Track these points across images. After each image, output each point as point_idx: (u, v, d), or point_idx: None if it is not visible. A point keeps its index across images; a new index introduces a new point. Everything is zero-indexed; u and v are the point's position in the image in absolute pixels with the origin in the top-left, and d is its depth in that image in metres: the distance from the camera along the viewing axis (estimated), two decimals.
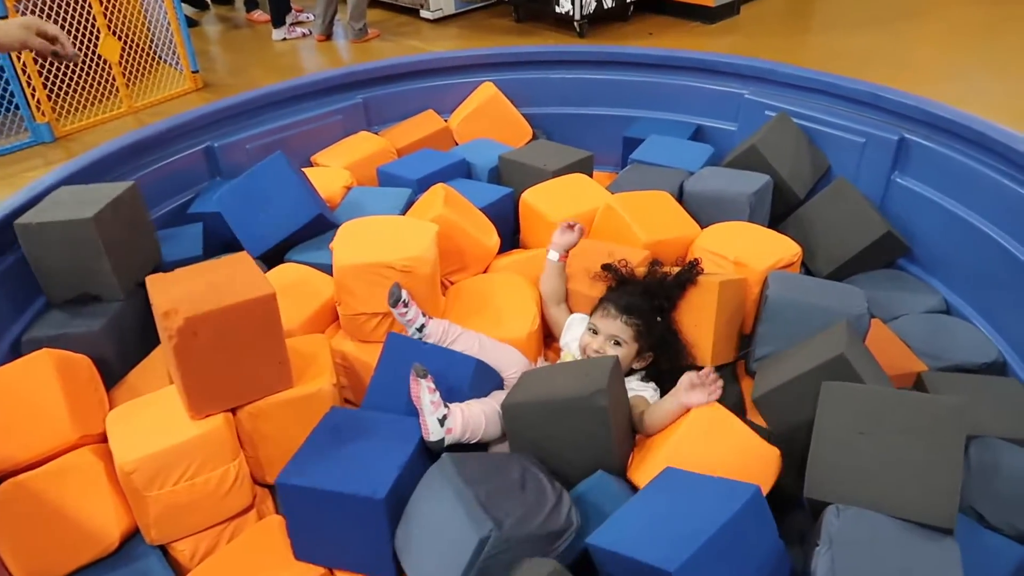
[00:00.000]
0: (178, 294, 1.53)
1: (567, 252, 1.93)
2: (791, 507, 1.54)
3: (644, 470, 1.50)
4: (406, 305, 1.72)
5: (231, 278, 1.59)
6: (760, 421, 1.69)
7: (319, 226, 2.16)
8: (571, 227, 1.91)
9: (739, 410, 1.85)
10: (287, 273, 2.03)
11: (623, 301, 1.75)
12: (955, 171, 2.18)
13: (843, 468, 1.34)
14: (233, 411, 1.62)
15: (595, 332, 1.75)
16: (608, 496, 1.47)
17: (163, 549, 1.59)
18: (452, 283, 2.09)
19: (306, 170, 2.46)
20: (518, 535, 1.27)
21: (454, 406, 1.55)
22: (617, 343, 1.73)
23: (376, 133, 2.87)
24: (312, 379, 1.67)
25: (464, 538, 1.26)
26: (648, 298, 1.77)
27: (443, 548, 1.31)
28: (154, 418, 1.57)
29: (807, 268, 2.33)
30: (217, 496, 1.57)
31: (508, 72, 2.98)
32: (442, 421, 1.51)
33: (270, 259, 2.14)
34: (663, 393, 1.71)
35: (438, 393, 1.52)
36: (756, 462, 1.48)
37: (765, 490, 1.47)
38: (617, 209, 2.11)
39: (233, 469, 1.58)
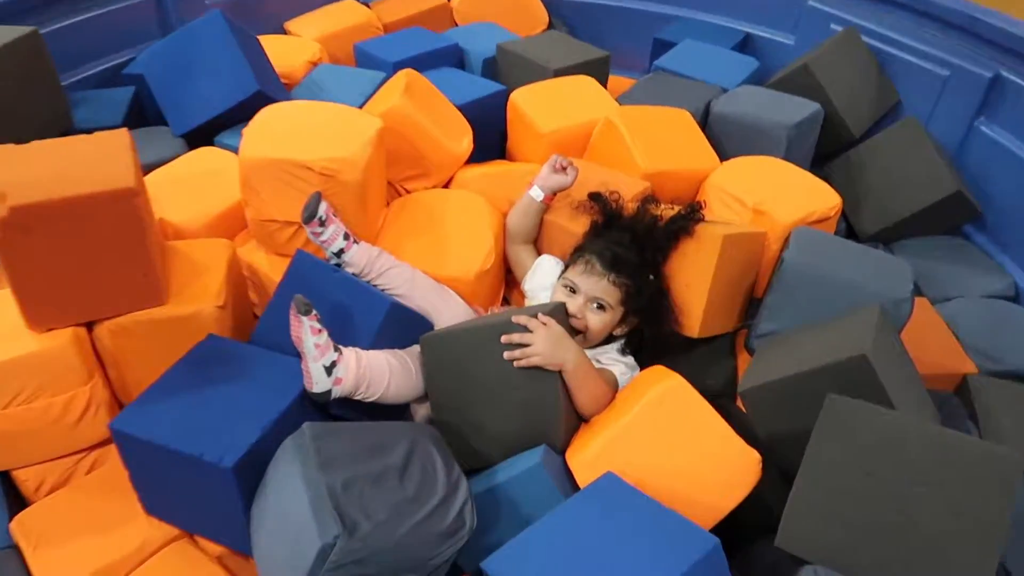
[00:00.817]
0: (16, 175, 1.19)
1: (554, 194, 1.53)
2: (766, 527, 1.22)
3: (584, 454, 1.18)
4: (323, 224, 1.36)
5: (92, 161, 1.25)
6: None
7: (260, 106, 1.77)
8: (563, 168, 1.51)
9: (729, 393, 1.50)
10: (203, 159, 1.68)
11: (610, 254, 1.36)
12: None
13: (835, 517, 0.98)
14: (90, 327, 1.31)
15: (573, 291, 1.38)
16: (536, 487, 1.15)
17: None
18: (408, 191, 1.72)
19: (266, 38, 2.07)
20: (378, 543, 0.96)
21: (348, 351, 1.22)
22: (600, 307, 1.36)
23: (367, 4, 2.44)
24: (193, 298, 1.34)
25: (305, 542, 0.96)
26: (638, 251, 1.39)
27: (287, 547, 1.01)
28: None
29: (848, 224, 1.91)
30: (64, 424, 1.29)
31: None
32: (330, 369, 1.18)
33: (197, 141, 1.78)
34: (642, 368, 1.36)
35: (325, 334, 1.18)
36: (727, 467, 1.14)
37: (732, 505, 1.14)
38: (618, 126, 1.69)
39: (83, 395, 1.29)
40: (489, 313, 1.51)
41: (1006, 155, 1.83)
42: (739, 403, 1.43)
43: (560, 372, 1.19)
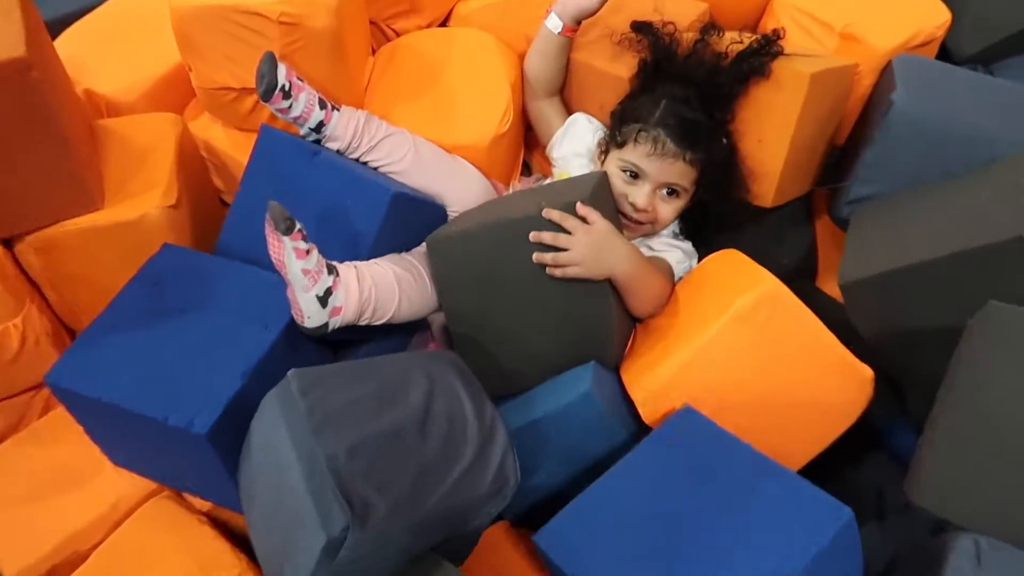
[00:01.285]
0: None
1: (578, 24, 1.17)
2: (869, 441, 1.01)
3: (649, 381, 0.94)
4: (287, 94, 1.03)
5: None
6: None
7: None
8: None
9: (808, 272, 1.24)
10: (135, 5, 1.31)
11: (682, 125, 1.05)
12: None
13: (994, 470, 0.74)
14: (9, 245, 1.03)
15: (636, 176, 1.08)
16: (587, 417, 0.93)
17: None
18: (396, 33, 1.35)
19: None
20: (401, 523, 0.74)
21: (346, 271, 0.94)
22: (673, 192, 1.08)
23: None
24: (136, 196, 1.05)
25: (305, 534, 0.74)
26: (706, 109, 1.08)
27: (283, 535, 0.79)
28: None
29: (944, 45, 1.55)
30: None
31: None
32: (324, 299, 0.91)
33: None
34: (701, 257, 1.09)
35: (315, 253, 0.90)
36: (833, 390, 0.92)
37: (837, 433, 0.93)
38: None
39: (15, 329, 1.04)
40: (511, 191, 1.22)
41: None
42: (819, 285, 1.19)
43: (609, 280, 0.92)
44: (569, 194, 0.96)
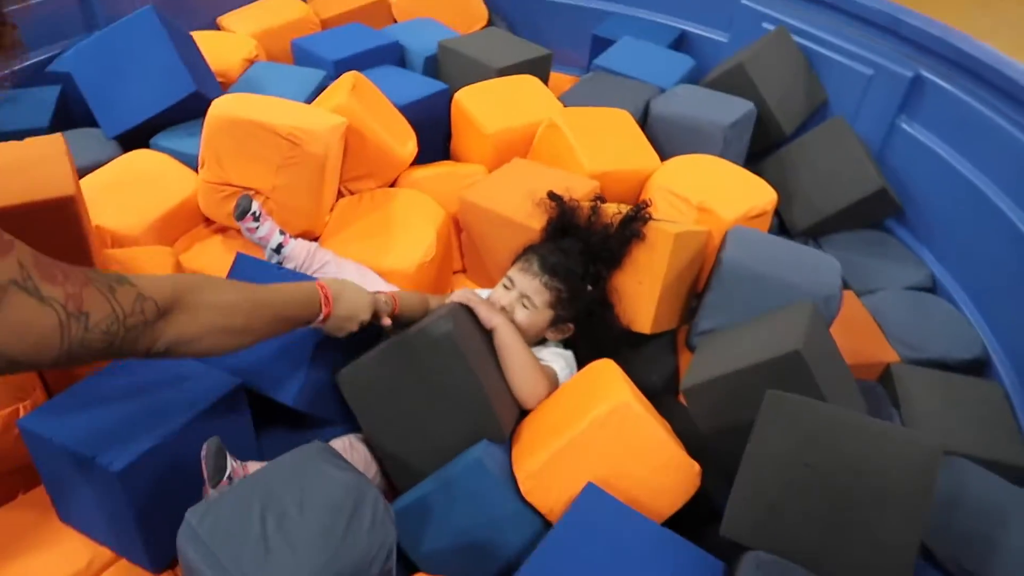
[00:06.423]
0: None
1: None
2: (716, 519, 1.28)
3: (530, 463, 1.18)
4: (257, 219, 1.36)
5: (27, 168, 1.21)
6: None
7: (196, 107, 1.75)
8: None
9: (671, 388, 1.55)
10: (139, 161, 1.64)
11: (552, 259, 1.40)
12: (973, 122, 1.81)
13: (775, 506, 1.04)
14: None
15: (507, 287, 1.41)
16: (480, 481, 1.16)
17: None
18: (351, 192, 1.71)
19: (198, 34, 2.02)
20: None
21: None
22: (529, 304, 1.39)
23: None
24: None
25: None
26: (585, 261, 1.42)
27: None
28: None
29: (781, 219, 2.00)
30: (5, 440, 1.24)
31: None
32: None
33: (131, 143, 1.74)
34: (580, 365, 1.39)
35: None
36: (669, 477, 1.18)
37: (670, 511, 1.19)
38: (562, 127, 1.72)
39: (25, 409, 1.25)
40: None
41: (925, 152, 1.93)
42: (680, 398, 1.50)
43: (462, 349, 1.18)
44: (438, 312, 1.24)
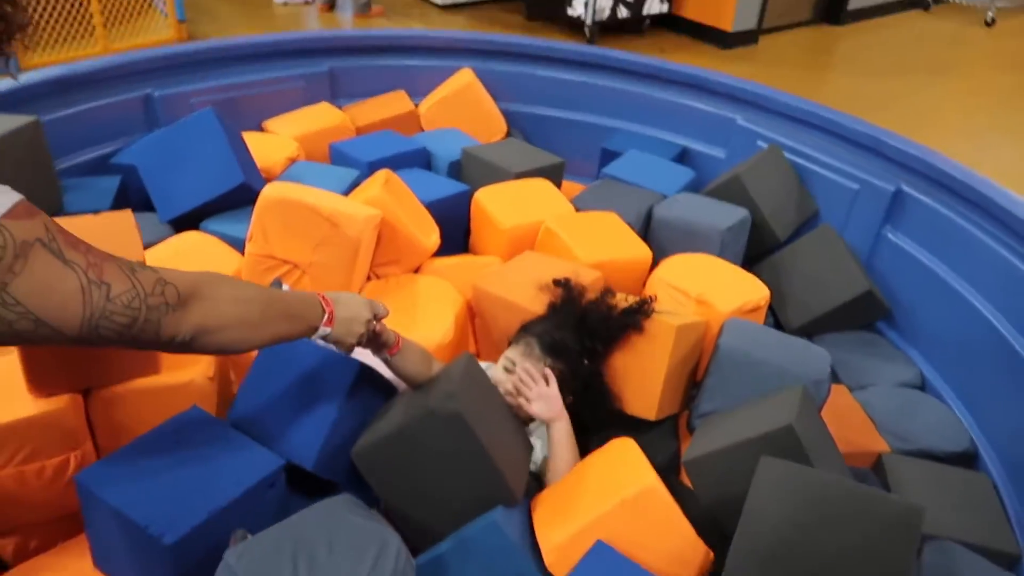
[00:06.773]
0: None
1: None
2: None
3: (555, 536, 1.25)
4: None
5: (102, 238, 1.36)
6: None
7: (243, 196, 1.93)
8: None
9: (673, 469, 1.64)
10: (187, 240, 1.81)
11: (549, 339, 1.50)
12: (951, 233, 1.97)
13: (770, 562, 1.12)
14: (85, 393, 1.39)
15: (508, 370, 1.48)
16: (500, 542, 1.22)
17: None
18: (379, 277, 1.86)
19: (249, 134, 2.24)
20: None
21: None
22: None
23: (340, 107, 2.65)
24: (185, 367, 1.44)
25: None
26: (581, 337, 1.53)
27: None
28: None
29: (775, 318, 2.13)
30: (56, 487, 1.35)
31: (491, 61, 2.77)
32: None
33: (181, 227, 1.91)
34: (577, 434, 1.47)
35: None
36: (685, 558, 1.25)
37: None
38: (555, 230, 1.92)
39: (75, 459, 1.36)
40: None
41: (910, 260, 2.08)
42: (682, 476, 1.58)
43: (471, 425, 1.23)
44: (446, 383, 1.27)
